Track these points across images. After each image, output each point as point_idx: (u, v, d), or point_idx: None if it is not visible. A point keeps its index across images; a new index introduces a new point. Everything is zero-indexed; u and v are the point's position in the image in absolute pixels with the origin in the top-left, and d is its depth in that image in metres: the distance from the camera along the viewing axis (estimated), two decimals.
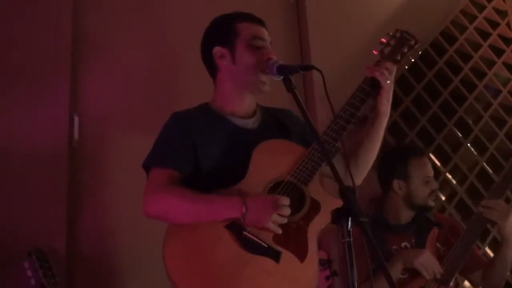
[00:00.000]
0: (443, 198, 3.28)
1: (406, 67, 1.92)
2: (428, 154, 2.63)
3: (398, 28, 1.89)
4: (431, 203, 2.48)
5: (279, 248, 1.63)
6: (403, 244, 2.41)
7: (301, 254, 1.64)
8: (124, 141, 2.64)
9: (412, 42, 1.86)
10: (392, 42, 1.86)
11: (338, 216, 1.35)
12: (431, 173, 2.51)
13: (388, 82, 1.79)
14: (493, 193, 2.46)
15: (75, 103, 2.60)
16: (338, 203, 1.47)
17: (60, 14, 2.66)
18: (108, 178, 2.59)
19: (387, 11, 3.55)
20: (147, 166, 1.81)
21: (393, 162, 2.55)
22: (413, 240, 2.41)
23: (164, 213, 1.70)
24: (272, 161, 1.75)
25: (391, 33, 1.88)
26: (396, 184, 2.48)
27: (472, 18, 3.78)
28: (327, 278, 2.68)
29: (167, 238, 1.66)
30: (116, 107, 2.69)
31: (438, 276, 2.23)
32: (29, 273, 2.07)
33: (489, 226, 2.67)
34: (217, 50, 1.86)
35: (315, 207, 1.69)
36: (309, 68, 1.73)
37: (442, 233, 2.42)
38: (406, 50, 1.85)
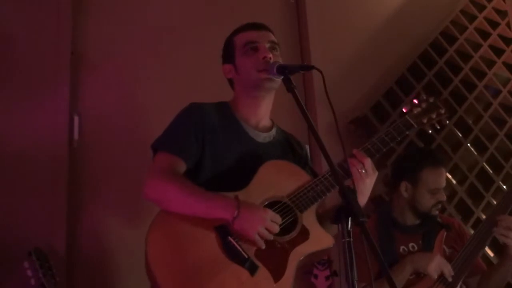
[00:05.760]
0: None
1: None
2: (445, 165, 2.58)
3: (434, 96, 1.94)
4: (435, 212, 2.43)
5: (258, 263, 1.64)
6: (410, 245, 2.39)
7: (277, 275, 1.65)
8: (124, 141, 2.64)
9: (442, 111, 1.92)
10: (424, 105, 1.91)
11: (338, 216, 1.35)
12: (443, 185, 2.45)
13: (363, 173, 1.77)
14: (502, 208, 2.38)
15: (75, 103, 2.60)
16: (329, 241, 1.66)
17: (60, 14, 2.67)
18: (108, 178, 2.59)
19: (387, 11, 3.55)
20: (155, 148, 1.83)
21: (408, 163, 2.50)
22: (420, 242, 2.39)
23: (161, 199, 1.71)
24: (276, 179, 1.77)
25: (424, 96, 1.92)
26: (404, 185, 2.44)
27: (472, 18, 3.78)
28: (327, 278, 2.68)
29: (155, 223, 1.67)
30: (116, 107, 2.69)
31: (450, 280, 2.21)
32: (29, 273, 2.06)
33: None
34: (224, 68, 1.95)
35: (304, 235, 1.71)
36: (309, 68, 1.73)
37: (449, 236, 2.40)
38: (434, 116, 1.91)
